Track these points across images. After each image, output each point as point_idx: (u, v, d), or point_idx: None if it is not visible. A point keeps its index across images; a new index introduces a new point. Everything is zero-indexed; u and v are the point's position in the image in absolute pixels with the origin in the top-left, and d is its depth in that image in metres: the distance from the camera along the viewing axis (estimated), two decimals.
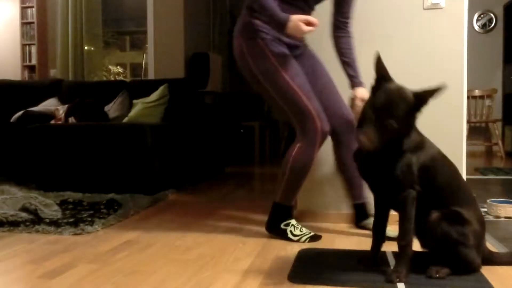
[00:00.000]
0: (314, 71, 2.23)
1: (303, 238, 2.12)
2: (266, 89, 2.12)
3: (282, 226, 2.16)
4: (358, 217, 2.32)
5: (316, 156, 2.10)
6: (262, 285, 1.57)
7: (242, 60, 2.14)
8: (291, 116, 2.11)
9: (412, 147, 1.55)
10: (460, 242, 1.55)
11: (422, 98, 1.48)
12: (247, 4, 2.12)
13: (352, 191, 2.28)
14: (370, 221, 2.10)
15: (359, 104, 2.11)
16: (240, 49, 2.13)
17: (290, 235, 2.13)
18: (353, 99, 2.15)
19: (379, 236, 1.71)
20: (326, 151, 2.41)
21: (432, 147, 1.62)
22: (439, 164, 1.60)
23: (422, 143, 1.59)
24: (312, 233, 2.15)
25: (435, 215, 1.58)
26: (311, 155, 2.09)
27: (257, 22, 2.08)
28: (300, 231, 2.14)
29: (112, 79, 7.83)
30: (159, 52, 5.62)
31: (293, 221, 2.17)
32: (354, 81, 2.17)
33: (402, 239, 1.56)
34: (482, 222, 1.62)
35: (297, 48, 2.20)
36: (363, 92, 2.13)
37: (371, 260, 1.72)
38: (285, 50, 2.10)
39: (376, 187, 1.66)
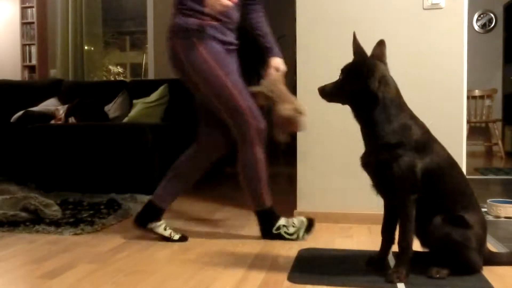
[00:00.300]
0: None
1: (300, 234, 2.11)
2: (200, 89, 2.08)
3: (274, 231, 2.13)
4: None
5: (261, 154, 2.08)
6: (262, 285, 1.56)
7: (176, 61, 2.10)
8: (226, 116, 2.07)
9: (411, 144, 1.53)
10: (463, 244, 1.55)
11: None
12: (175, 3, 2.07)
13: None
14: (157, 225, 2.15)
15: (273, 73, 2.17)
16: (175, 50, 2.07)
17: (286, 236, 2.12)
18: (267, 68, 2.18)
19: (388, 239, 1.70)
20: (326, 151, 2.41)
21: (441, 153, 1.60)
22: (446, 172, 1.59)
23: (427, 145, 1.57)
24: (305, 222, 2.13)
25: (438, 218, 1.57)
26: (253, 155, 2.08)
27: (190, 20, 2.02)
28: (293, 226, 2.13)
29: (112, 79, 7.83)
30: (159, 52, 5.62)
31: (281, 221, 2.14)
32: (270, 52, 2.21)
33: (403, 240, 1.56)
34: (484, 227, 1.62)
35: (231, 44, 2.15)
36: (278, 62, 2.18)
37: (378, 263, 1.71)
38: (219, 48, 2.06)
39: (379, 188, 1.65)
